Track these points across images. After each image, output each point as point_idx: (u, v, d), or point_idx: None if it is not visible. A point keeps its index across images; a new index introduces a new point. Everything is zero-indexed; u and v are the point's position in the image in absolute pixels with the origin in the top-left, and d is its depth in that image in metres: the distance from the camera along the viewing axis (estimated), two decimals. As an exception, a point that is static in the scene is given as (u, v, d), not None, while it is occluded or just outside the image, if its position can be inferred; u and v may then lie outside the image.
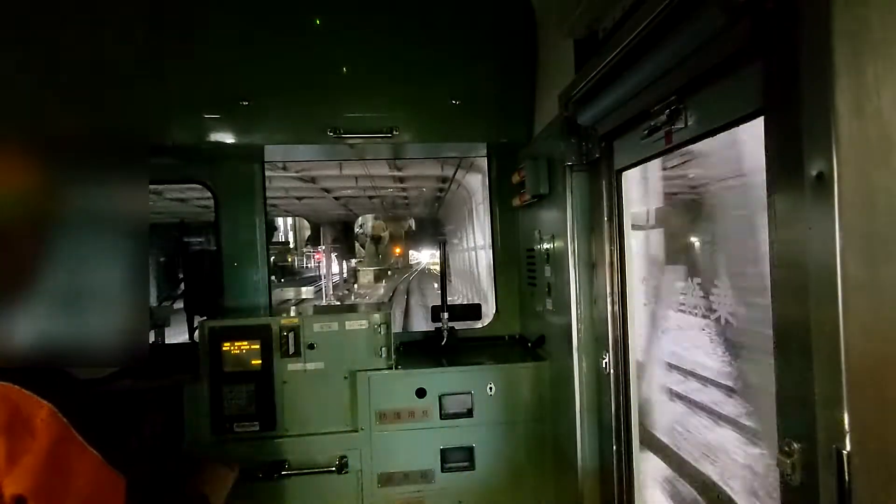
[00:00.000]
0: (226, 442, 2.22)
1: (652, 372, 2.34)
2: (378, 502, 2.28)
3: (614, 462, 1.86)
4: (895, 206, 0.73)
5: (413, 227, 34.96)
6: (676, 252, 2.35)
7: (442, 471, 2.31)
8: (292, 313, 2.74)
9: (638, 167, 1.75)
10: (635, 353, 1.87)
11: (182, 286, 2.95)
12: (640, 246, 2.04)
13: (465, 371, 2.37)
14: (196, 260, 2.94)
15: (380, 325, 2.31)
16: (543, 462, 2.34)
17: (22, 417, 0.93)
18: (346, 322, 2.31)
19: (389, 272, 35.72)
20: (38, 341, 0.99)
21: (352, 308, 2.83)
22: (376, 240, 35.78)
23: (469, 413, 2.32)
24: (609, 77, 1.57)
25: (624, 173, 1.81)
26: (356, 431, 2.28)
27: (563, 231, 2.02)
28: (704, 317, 1.72)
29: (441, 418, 2.31)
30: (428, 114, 2.47)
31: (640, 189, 2.04)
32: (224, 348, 2.23)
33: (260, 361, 2.24)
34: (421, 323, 14.14)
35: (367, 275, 32.99)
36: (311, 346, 2.27)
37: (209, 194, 2.76)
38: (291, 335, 2.24)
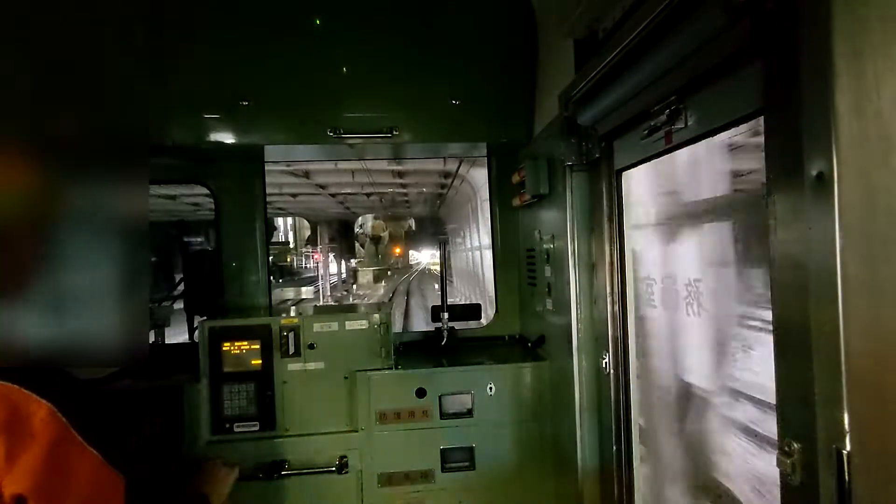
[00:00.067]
0: (226, 442, 2.21)
1: (720, 403, 1.82)
2: (378, 502, 2.28)
3: (614, 462, 1.86)
4: (895, 206, 0.73)
5: (413, 227, 34.98)
6: (752, 253, 1.69)
7: (442, 471, 2.30)
8: (292, 313, 2.74)
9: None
10: (695, 378, 1.67)
11: (178, 286, 2.94)
12: (693, 245, 1.71)
13: (465, 371, 2.36)
14: (196, 260, 2.94)
15: (380, 325, 2.31)
16: (543, 462, 2.34)
17: (21, 417, 0.93)
18: (347, 322, 2.30)
19: (389, 272, 35.70)
20: (37, 341, 0.99)
21: (352, 308, 2.83)
22: (376, 240, 35.80)
23: (469, 413, 2.32)
24: (609, 77, 1.57)
25: (623, 173, 1.81)
26: (356, 431, 2.28)
27: (563, 231, 2.02)
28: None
29: (441, 418, 2.30)
30: (428, 114, 2.46)
31: (686, 171, 1.64)
32: (224, 348, 2.23)
33: (260, 361, 2.24)
34: (421, 324, 14.05)
35: (366, 275, 32.96)
36: (311, 346, 2.27)
37: (200, 191, 2.75)
38: (291, 335, 2.24)
